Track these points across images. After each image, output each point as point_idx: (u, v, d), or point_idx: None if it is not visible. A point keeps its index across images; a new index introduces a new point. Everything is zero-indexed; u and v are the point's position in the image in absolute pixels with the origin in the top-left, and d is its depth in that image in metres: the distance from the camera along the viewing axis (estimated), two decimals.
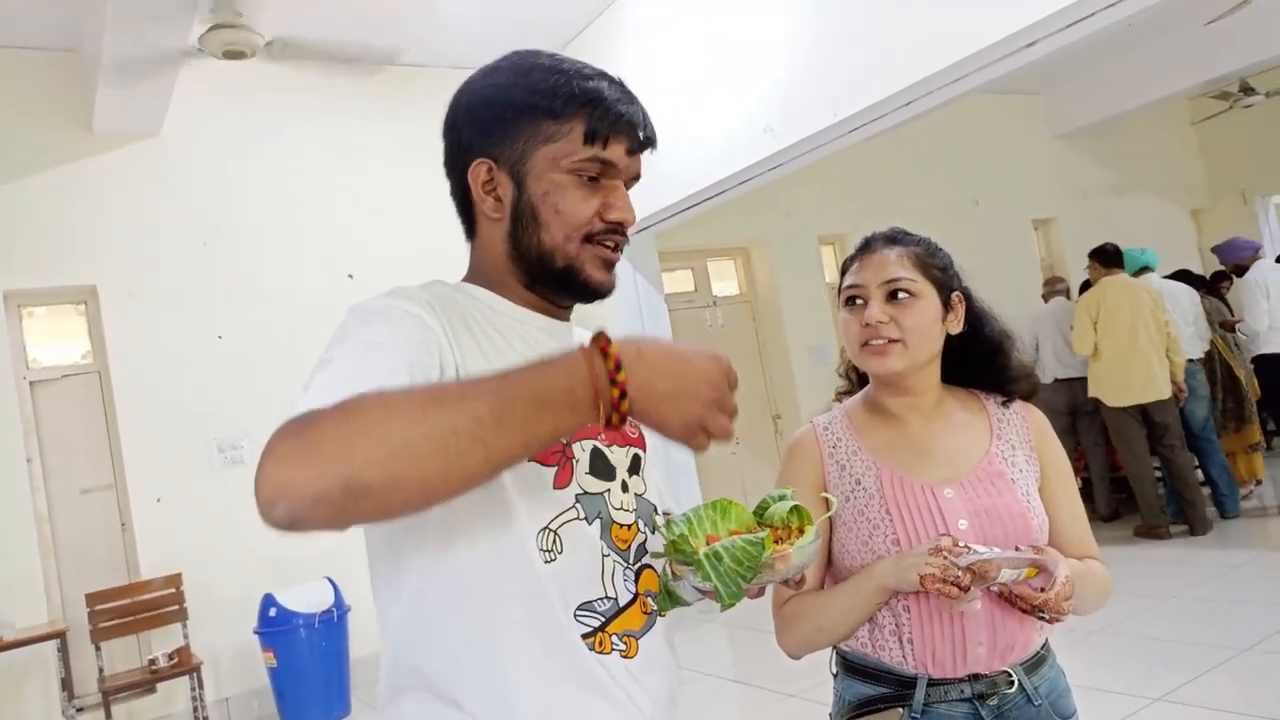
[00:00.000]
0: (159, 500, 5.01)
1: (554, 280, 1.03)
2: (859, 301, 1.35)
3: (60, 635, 4.43)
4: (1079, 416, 6.08)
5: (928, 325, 1.33)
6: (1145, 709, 3.02)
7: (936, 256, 1.38)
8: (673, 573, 0.96)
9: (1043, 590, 1.19)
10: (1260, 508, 5.97)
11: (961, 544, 1.19)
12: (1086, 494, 6.21)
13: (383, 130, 5.75)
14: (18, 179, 4.89)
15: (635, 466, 1.08)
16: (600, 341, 0.81)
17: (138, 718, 4.87)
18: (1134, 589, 4.72)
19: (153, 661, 4.65)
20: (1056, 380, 6.11)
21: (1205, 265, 8.85)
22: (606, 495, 1.02)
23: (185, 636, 4.81)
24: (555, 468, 0.98)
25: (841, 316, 1.40)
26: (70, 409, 5.15)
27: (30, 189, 4.91)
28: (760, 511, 0.99)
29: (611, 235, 1.03)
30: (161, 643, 4.84)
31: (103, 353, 5.11)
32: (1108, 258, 5.60)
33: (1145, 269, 5.89)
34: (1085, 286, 6.53)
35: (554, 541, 0.96)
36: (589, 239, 1.01)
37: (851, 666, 1.36)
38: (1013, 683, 1.28)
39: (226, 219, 5.36)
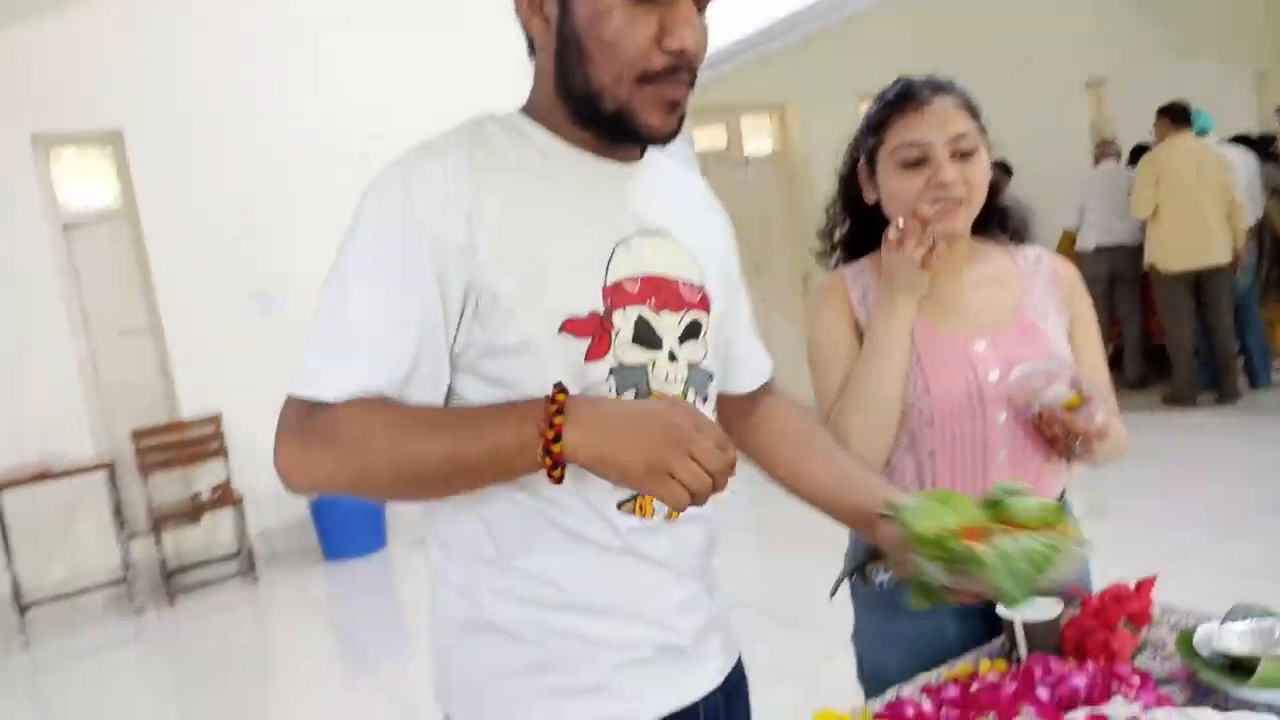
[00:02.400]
0: (195, 343, 5.10)
1: (604, 124, 0.91)
2: (920, 162, 1.25)
3: (109, 467, 4.62)
4: (1117, 284, 5.97)
5: (985, 179, 1.28)
6: (1165, 566, 3.08)
7: (975, 102, 1.31)
8: (917, 567, 0.90)
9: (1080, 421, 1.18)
10: None
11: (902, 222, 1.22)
12: (1116, 362, 6.18)
13: None
14: (44, 17, 4.77)
15: (693, 332, 0.99)
16: (555, 389, 0.83)
17: (185, 545, 5.13)
18: (1161, 454, 4.73)
19: (196, 495, 4.86)
20: (1098, 248, 5.97)
21: (1268, 131, 8.47)
22: (649, 367, 0.94)
23: (227, 472, 5.00)
24: (589, 339, 0.90)
25: (888, 177, 1.28)
26: (104, 252, 5.19)
27: (56, 28, 4.79)
28: (995, 505, 0.94)
29: (673, 74, 0.89)
30: (204, 478, 5.04)
31: (132, 197, 5.10)
32: (1177, 116, 5.34)
33: (1203, 132, 5.64)
34: (1138, 151, 6.29)
35: None
36: (646, 79, 0.88)
37: None
38: None
39: (260, 62, 5.23)
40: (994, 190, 1.33)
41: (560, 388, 0.83)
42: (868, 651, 1.39)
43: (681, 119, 0.94)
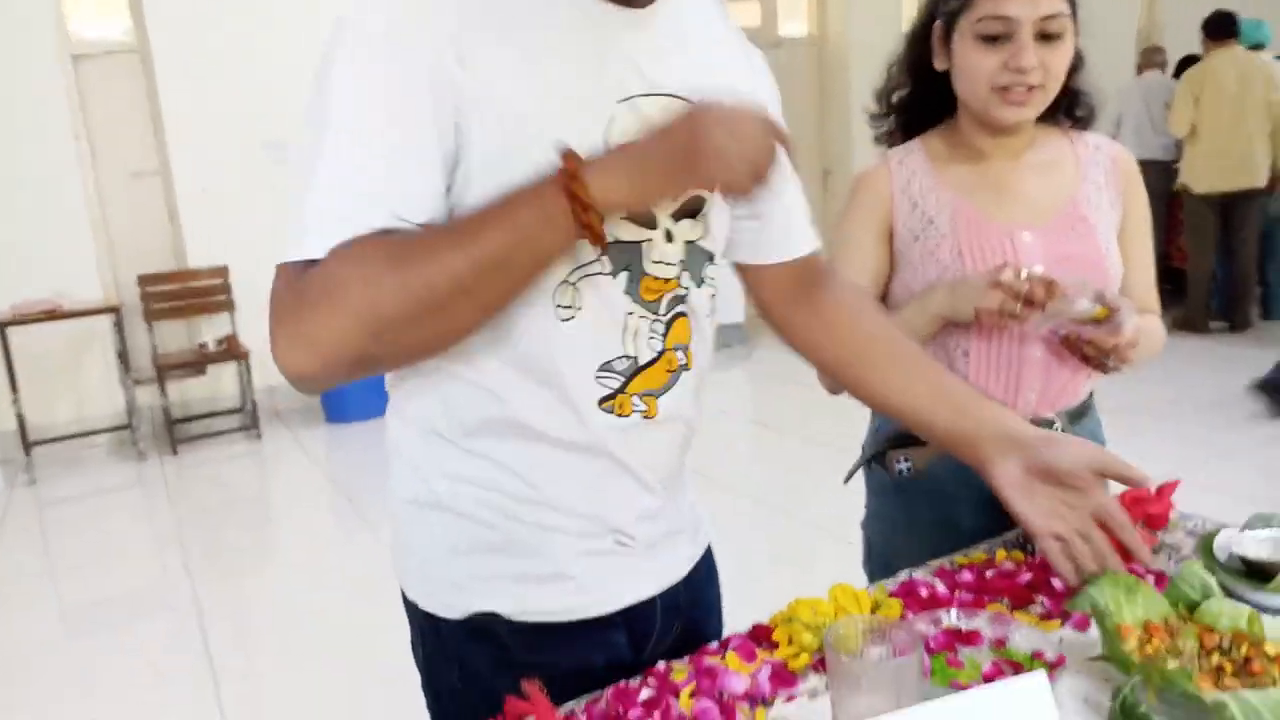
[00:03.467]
0: (205, 191, 5.02)
1: None
2: (1001, 38, 1.16)
3: (115, 310, 4.62)
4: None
5: (1066, 67, 1.20)
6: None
7: None
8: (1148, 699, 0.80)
9: (1109, 336, 1.15)
10: None
11: (1025, 273, 1.13)
12: None
13: None
14: None
15: (691, 210, 0.91)
16: (562, 154, 0.74)
17: (189, 394, 5.18)
18: (1169, 377, 4.74)
19: (202, 345, 4.87)
20: None
21: None
22: (644, 246, 0.87)
23: (233, 325, 5.00)
24: None
25: (965, 49, 1.19)
26: (115, 89, 5.06)
27: None
28: (1180, 602, 0.88)
29: None
30: (211, 330, 5.04)
31: (144, 30, 4.93)
32: (1219, 28, 5.12)
33: (1258, 46, 5.41)
34: (1185, 63, 6.04)
35: (573, 296, 0.84)
36: None
37: None
38: (1055, 429, 1.25)
39: None
40: (1070, 72, 1.24)
41: (567, 152, 0.74)
42: (879, 537, 1.39)
43: None
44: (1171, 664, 0.80)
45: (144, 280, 4.85)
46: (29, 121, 4.65)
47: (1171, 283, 6.00)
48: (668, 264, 0.89)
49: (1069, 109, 1.30)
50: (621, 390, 0.89)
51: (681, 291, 0.91)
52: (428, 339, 0.77)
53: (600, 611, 0.94)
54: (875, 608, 0.98)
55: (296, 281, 0.74)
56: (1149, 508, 1.11)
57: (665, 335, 0.91)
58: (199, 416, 5.10)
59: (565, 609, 0.92)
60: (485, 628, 0.91)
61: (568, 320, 0.84)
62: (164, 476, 4.48)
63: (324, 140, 0.76)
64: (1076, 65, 1.26)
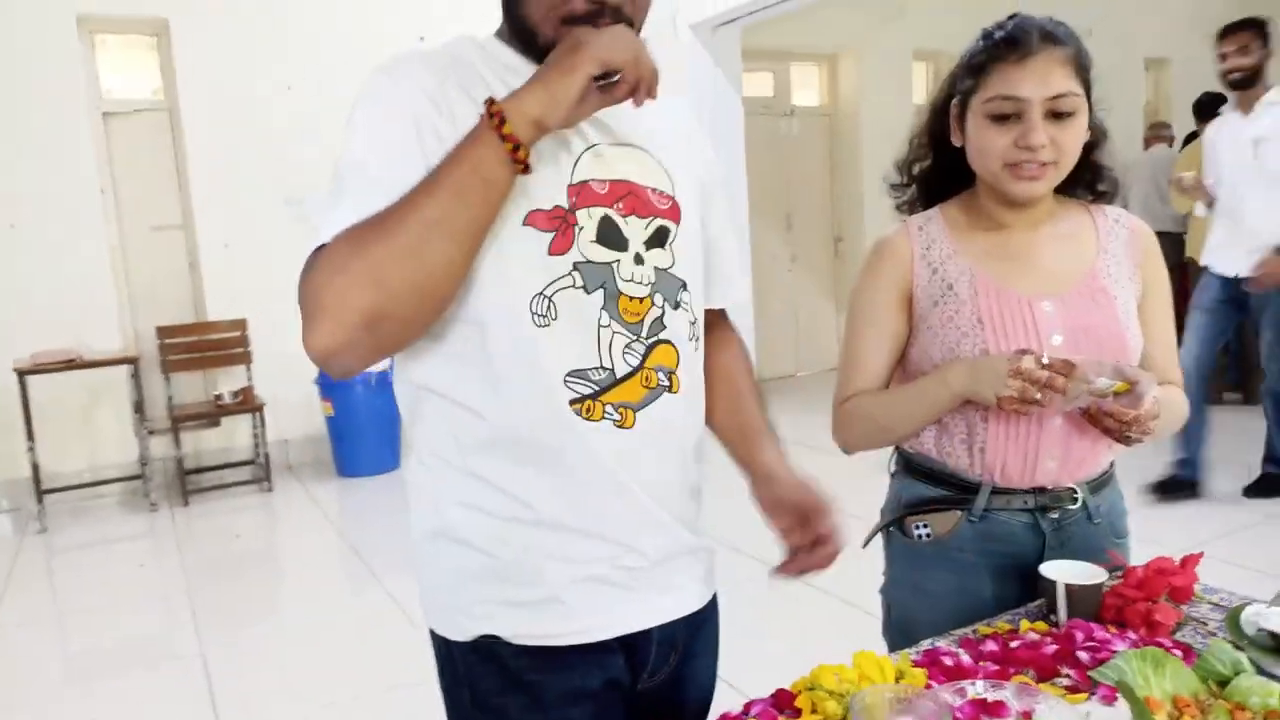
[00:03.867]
0: (226, 245, 5.10)
1: (539, 56, 0.93)
2: (1012, 117, 1.17)
3: (133, 362, 4.66)
4: None
5: (1080, 144, 1.21)
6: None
7: (1087, 56, 1.21)
8: None
9: (1130, 409, 1.15)
10: None
11: (1045, 358, 1.14)
12: None
13: None
14: None
15: (659, 239, 1.01)
16: (487, 102, 0.87)
17: (202, 446, 5.19)
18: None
19: (218, 397, 4.90)
20: None
21: None
22: (615, 266, 0.97)
23: (249, 378, 5.04)
24: (552, 233, 0.93)
25: (978, 128, 1.21)
26: (142, 144, 5.17)
27: None
28: (1209, 678, 0.88)
29: (595, 18, 0.92)
30: (227, 382, 5.08)
31: (174, 90, 5.06)
32: (1206, 109, 5.20)
33: None
34: (1191, 138, 6.13)
35: (548, 308, 0.93)
36: (571, 20, 0.92)
37: (913, 466, 1.33)
38: (1076, 499, 1.25)
39: None
40: (1090, 148, 1.26)
41: (489, 99, 0.87)
42: (898, 604, 1.38)
43: None
44: None
45: (163, 331, 4.90)
46: (59, 175, 4.75)
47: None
48: (639, 284, 0.99)
49: (1090, 184, 1.32)
50: (593, 397, 0.95)
51: (658, 312, 1.00)
52: (421, 280, 0.86)
53: (593, 638, 0.99)
54: (899, 677, 0.98)
55: (308, 271, 0.87)
56: (1174, 580, 1.11)
57: (645, 355, 0.98)
58: (211, 468, 5.10)
59: (558, 633, 0.98)
60: (490, 650, 0.97)
61: (543, 327, 0.93)
62: (174, 527, 4.47)
63: (343, 168, 0.92)
64: (1098, 141, 1.27)
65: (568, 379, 0.94)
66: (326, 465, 5.23)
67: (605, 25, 0.91)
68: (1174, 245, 5.71)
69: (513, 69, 0.97)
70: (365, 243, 0.84)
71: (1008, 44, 1.18)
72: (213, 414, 4.92)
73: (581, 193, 0.96)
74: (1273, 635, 0.97)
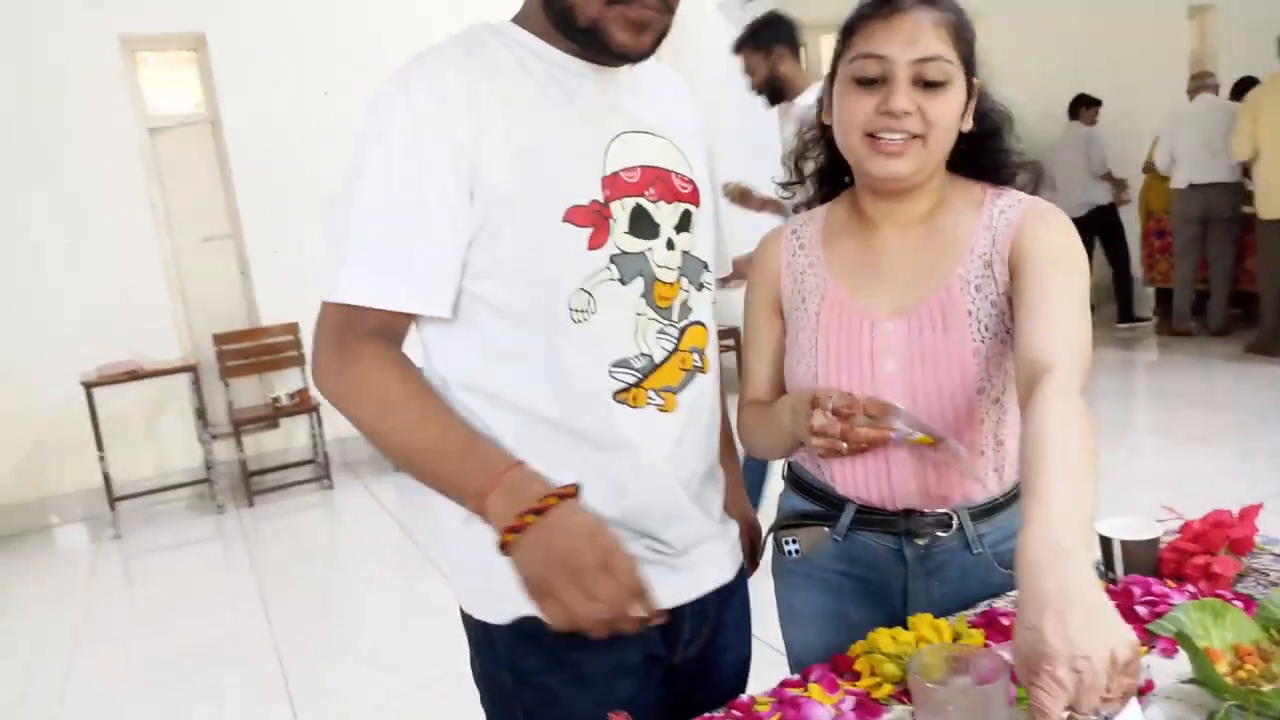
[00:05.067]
0: (274, 251, 5.21)
1: (578, 37, 0.96)
2: (877, 80, 1.04)
3: (192, 369, 4.79)
4: (1211, 225, 5.74)
5: (953, 119, 1.06)
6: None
7: (969, 28, 1.07)
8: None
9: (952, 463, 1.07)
10: None
11: (828, 411, 1.03)
12: (1200, 307, 5.99)
13: None
14: None
15: (685, 223, 1.03)
16: (541, 491, 0.87)
17: (263, 448, 5.32)
18: (1239, 402, 4.63)
19: (275, 400, 5.02)
20: (1191, 185, 5.72)
21: None
22: (648, 253, 0.99)
23: (304, 380, 5.15)
24: (589, 229, 0.95)
25: (840, 94, 1.08)
26: (189, 157, 5.30)
27: None
28: (1271, 626, 0.87)
29: None
30: (283, 384, 5.20)
31: (215, 102, 5.17)
32: None
33: None
34: (1241, 86, 5.96)
35: (587, 302, 0.95)
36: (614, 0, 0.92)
37: (795, 479, 1.24)
38: (949, 526, 1.12)
39: None
40: (995, 133, 1.13)
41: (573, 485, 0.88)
42: (781, 622, 1.28)
43: (657, 39, 0.97)
44: (1268, 687, 0.80)
45: (219, 339, 5.04)
46: (110, 194, 4.89)
47: (1240, 306, 5.86)
48: (670, 269, 1.01)
49: (995, 175, 1.15)
50: (637, 385, 0.98)
51: (685, 296, 1.02)
52: (375, 443, 0.97)
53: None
54: (956, 638, 0.99)
55: (341, 336, 0.94)
56: (1232, 532, 1.11)
57: (679, 338, 1.01)
58: (273, 469, 5.24)
59: None
60: (531, 631, 0.96)
61: (580, 323, 0.95)
62: (242, 528, 4.61)
63: (354, 212, 0.93)
64: (1000, 124, 1.14)
65: (613, 370, 0.96)
66: (382, 461, 5.33)
67: (652, 9, 0.93)
68: (1229, 195, 5.59)
69: (537, 54, 0.98)
70: (366, 420, 0.94)
71: (878, 2, 1.06)
72: (271, 416, 5.04)
73: (614, 184, 0.97)
74: None
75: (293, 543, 4.41)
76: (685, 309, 1.03)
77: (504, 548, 0.86)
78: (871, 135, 1.05)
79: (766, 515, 1.32)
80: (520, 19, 1.02)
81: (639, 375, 0.98)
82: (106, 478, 4.63)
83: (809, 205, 1.25)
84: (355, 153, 0.94)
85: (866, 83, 1.04)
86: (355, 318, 0.93)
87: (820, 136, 1.21)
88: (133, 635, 3.50)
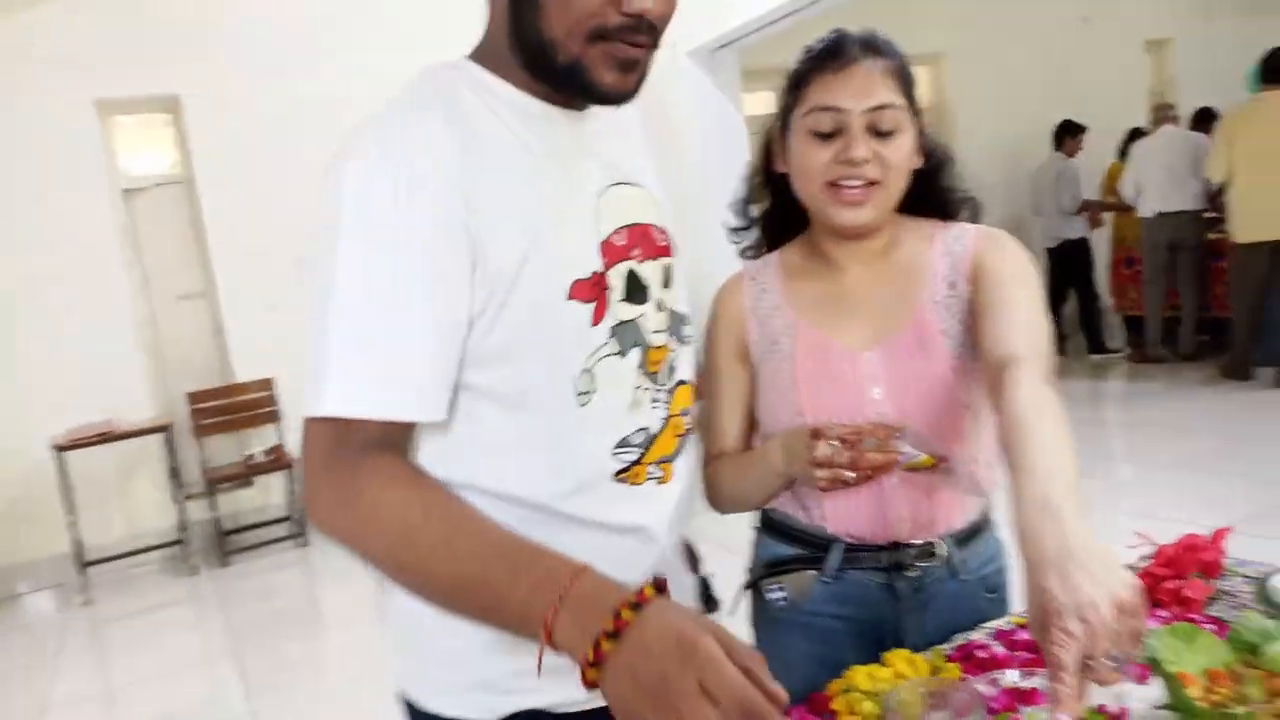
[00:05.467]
0: (249, 309, 5.18)
1: (555, 77, 0.86)
2: (835, 133, 1.08)
3: (166, 429, 4.73)
4: (1179, 252, 5.84)
5: (907, 160, 1.11)
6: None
7: (909, 70, 1.12)
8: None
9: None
10: None
11: (835, 440, 1.03)
12: (1170, 333, 6.06)
13: None
14: None
15: (667, 279, 0.98)
16: (625, 596, 0.72)
17: (239, 507, 5.24)
18: (1215, 427, 4.66)
19: (250, 457, 4.96)
20: (1159, 214, 5.83)
21: None
22: (641, 320, 0.93)
23: (280, 436, 5.10)
24: (592, 304, 0.88)
25: (798, 145, 1.11)
26: (163, 216, 5.29)
27: None
28: (1243, 647, 0.87)
29: (630, 33, 0.83)
30: (258, 441, 5.13)
31: (189, 162, 5.18)
32: (1270, 71, 5.01)
33: None
34: (1201, 116, 6.11)
35: (590, 381, 0.89)
36: (599, 36, 0.82)
37: (772, 524, 1.23)
38: (935, 555, 1.14)
39: (318, 32, 5.25)
40: (937, 171, 1.18)
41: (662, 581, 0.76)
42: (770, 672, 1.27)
43: (640, 80, 0.88)
44: (1239, 710, 0.79)
45: (193, 397, 4.98)
46: (84, 253, 4.86)
47: (1208, 332, 5.94)
48: (660, 331, 0.96)
49: (941, 211, 1.20)
50: (638, 461, 0.93)
51: (673, 355, 0.97)
52: (378, 570, 0.84)
53: None
54: (934, 672, 0.98)
55: (335, 458, 0.81)
56: (1203, 555, 1.10)
57: (670, 403, 0.96)
58: (248, 527, 5.15)
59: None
60: None
61: (585, 405, 0.89)
62: (216, 590, 4.52)
63: (332, 320, 0.82)
64: (942, 164, 1.19)
65: (615, 451, 0.91)
66: None
67: (642, 47, 0.85)
68: (1195, 223, 5.69)
69: (511, 106, 0.89)
70: (379, 557, 0.81)
71: (827, 54, 1.10)
72: (246, 474, 4.97)
73: (609, 251, 0.91)
74: None
75: (267, 603, 4.32)
76: (671, 370, 0.98)
77: (589, 686, 0.71)
78: (832, 184, 1.09)
79: (735, 565, 1.28)
80: (480, 56, 0.92)
81: (640, 451, 0.93)
82: (78, 544, 4.54)
83: (757, 250, 1.27)
84: (324, 244, 0.83)
85: (823, 135, 1.09)
86: (348, 433, 0.81)
87: (766, 182, 1.24)
88: (103, 705, 3.40)
